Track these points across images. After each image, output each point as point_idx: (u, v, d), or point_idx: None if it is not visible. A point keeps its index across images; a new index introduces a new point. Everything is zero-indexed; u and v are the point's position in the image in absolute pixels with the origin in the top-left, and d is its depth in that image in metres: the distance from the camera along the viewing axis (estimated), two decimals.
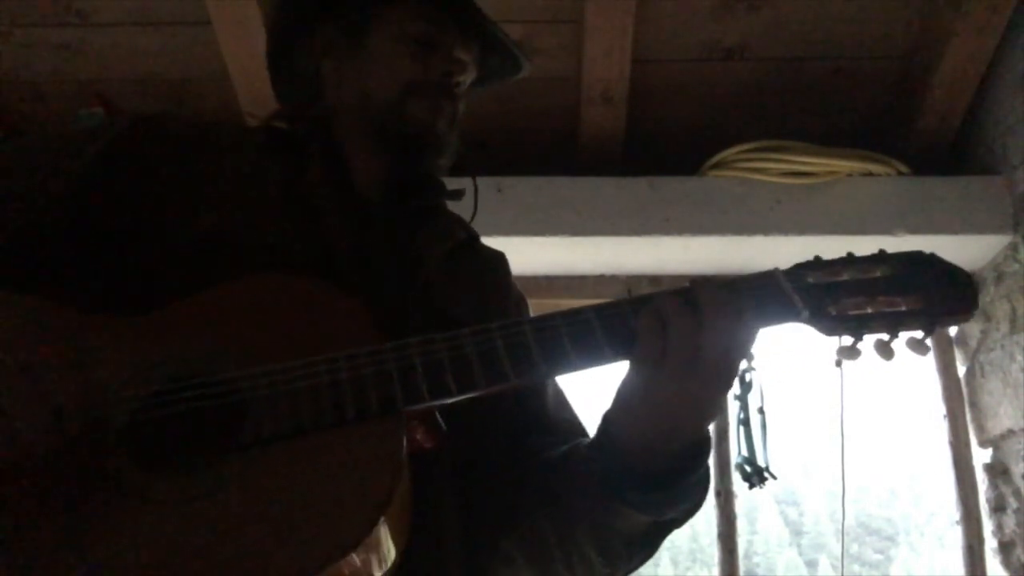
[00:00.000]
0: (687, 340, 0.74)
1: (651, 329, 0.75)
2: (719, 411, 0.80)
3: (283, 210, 0.92)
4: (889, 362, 0.79)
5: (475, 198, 1.13)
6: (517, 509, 0.91)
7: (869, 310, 0.79)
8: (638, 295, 0.79)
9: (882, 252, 0.83)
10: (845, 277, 0.81)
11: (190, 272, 0.83)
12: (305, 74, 1.08)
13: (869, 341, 0.79)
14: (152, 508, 0.66)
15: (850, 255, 0.83)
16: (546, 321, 0.78)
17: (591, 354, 0.76)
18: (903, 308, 0.79)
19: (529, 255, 2.37)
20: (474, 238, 1.10)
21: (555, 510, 0.88)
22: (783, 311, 0.78)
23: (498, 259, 1.13)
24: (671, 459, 0.79)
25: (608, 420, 0.82)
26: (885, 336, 0.79)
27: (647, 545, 0.87)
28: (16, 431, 0.68)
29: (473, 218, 1.13)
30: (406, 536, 0.72)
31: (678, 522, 0.85)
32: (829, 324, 0.78)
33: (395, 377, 0.73)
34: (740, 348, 0.76)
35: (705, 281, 0.78)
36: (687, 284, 0.79)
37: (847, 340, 0.79)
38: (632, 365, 0.78)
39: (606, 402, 0.83)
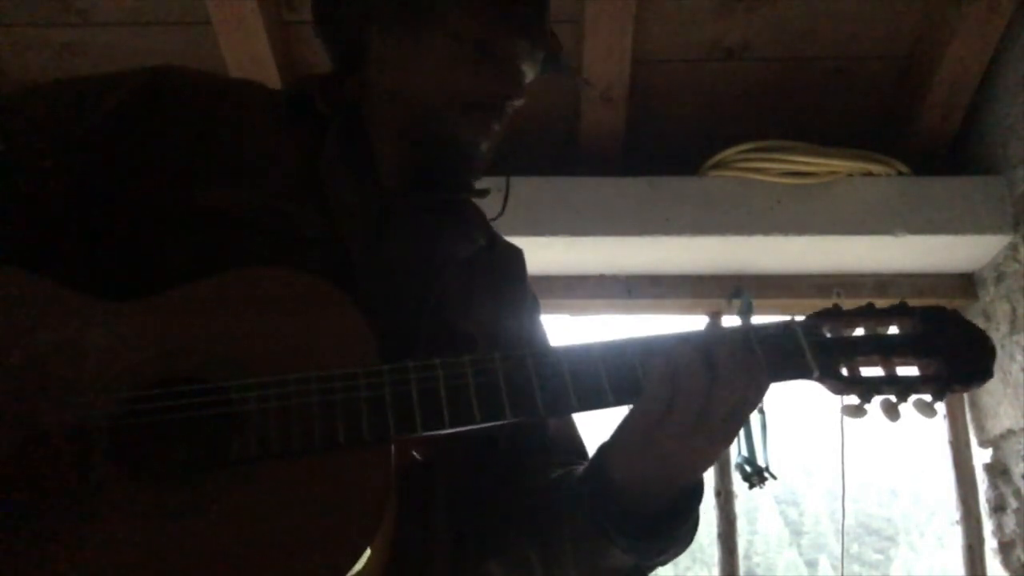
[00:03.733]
0: (698, 397, 0.71)
1: (660, 381, 0.72)
2: (718, 459, 0.79)
3: (300, 191, 0.86)
4: (894, 423, 0.77)
5: (505, 197, 1.06)
6: (505, 534, 0.89)
7: (882, 371, 0.77)
8: (647, 337, 0.76)
9: (903, 304, 0.81)
10: (862, 331, 0.79)
11: (195, 249, 0.79)
12: (346, 33, 0.96)
13: (876, 401, 0.77)
14: (134, 522, 0.65)
15: (870, 305, 0.81)
16: (549, 358, 0.75)
17: (593, 400, 0.74)
18: (917, 372, 0.77)
19: (529, 255, 2.36)
20: (493, 240, 1.05)
21: (542, 540, 0.86)
22: (796, 370, 0.76)
23: (515, 258, 1.08)
24: (665, 503, 0.78)
25: (604, 456, 0.80)
26: (894, 398, 0.77)
27: None
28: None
29: (499, 216, 1.07)
30: (389, 553, 0.71)
31: (664, 563, 0.83)
32: (839, 385, 0.77)
33: (389, 404, 0.71)
34: (751, 406, 0.74)
35: (723, 334, 0.76)
36: (704, 329, 0.77)
37: (854, 400, 0.77)
38: (637, 411, 0.75)
39: (605, 431, 0.80)
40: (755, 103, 2.45)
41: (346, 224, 0.86)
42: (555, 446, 0.96)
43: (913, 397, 0.77)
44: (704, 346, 0.73)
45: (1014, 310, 2.24)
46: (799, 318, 0.80)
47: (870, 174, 2.33)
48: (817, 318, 0.79)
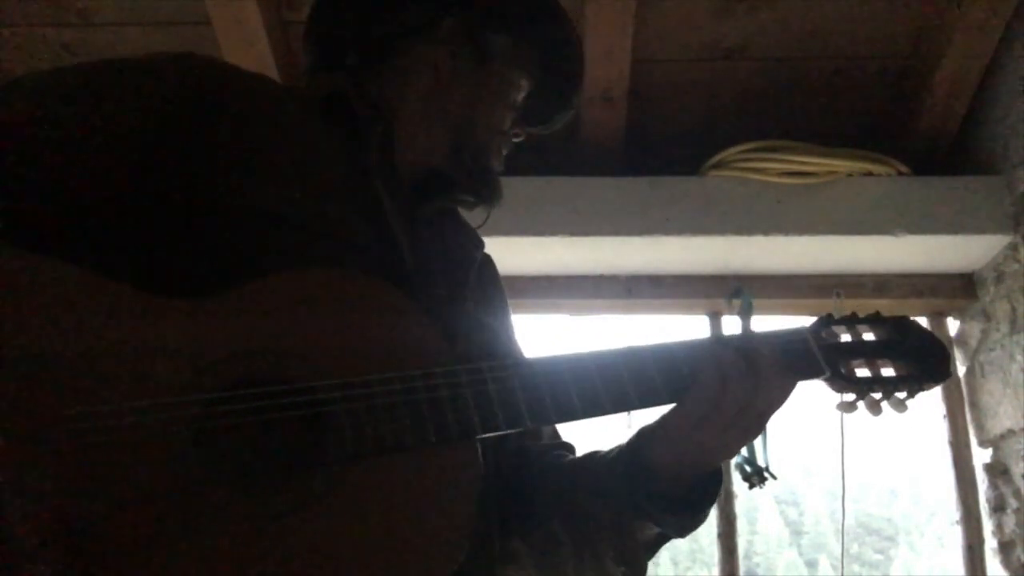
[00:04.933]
0: (741, 398, 0.81)
1: (710, 384, 0.81)
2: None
3: (344, 194, 0.87)
4: (876, 418, 0.90)
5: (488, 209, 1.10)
6: (531, 512, 0.93)
7: (869, 372, 0.90)
8: (691, 340, 0.85)
9: (877, 314, 0.94)
10: (849, 338, 0.92)
11: (249, 248, 0.78)
12: (386, 39, 0.98)
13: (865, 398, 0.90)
14: (236, 527, 0.62)
15: (854, 314, 0.94)
16: (607, 358, 0.81)
17: (650, 398, 0.81)
18: (894, 373, 0.91)
19: (529, 255, 2.37)
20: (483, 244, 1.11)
21: (572, 517, 0.91)
22: (812, 370, 0.87)
23: (491, 263, 1.13)
24: (690, 483, 0.86)
25: (643, 441, 0.88)
26: (877, 396, 0.90)
27: (654, 552, 0.93)
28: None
29: (483, 223, 1.11)
30: None
31: (683, 535, 0.92)
32: (841, 383, 0.89)
33: (472, 404, 0.73)
34: (780, 405, 0.84)
35: (762, 340, 0.86)
36: (741, 334, 0.87)
37: (849, 397, 0.90)
38: (686, 406, 0.82)
39: (647, 419, 0.89)
40: (755, 103, 2.45)
41: (396, 230, 0.88)
42: (541, 432, 1.04)
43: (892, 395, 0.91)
44: (749, 351, 0.82)
45: (1014, 310, 2.24)
46: (805, 324, 0.92)
47: (870, 174, 2.33)
48: (818, 326, 0.92)
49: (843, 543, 2.60)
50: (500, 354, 0.93)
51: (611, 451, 0.93)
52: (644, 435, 0.88)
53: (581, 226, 2.30)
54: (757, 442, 2.26)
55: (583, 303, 2.50)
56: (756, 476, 2.22)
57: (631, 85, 2.32)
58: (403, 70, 0.99)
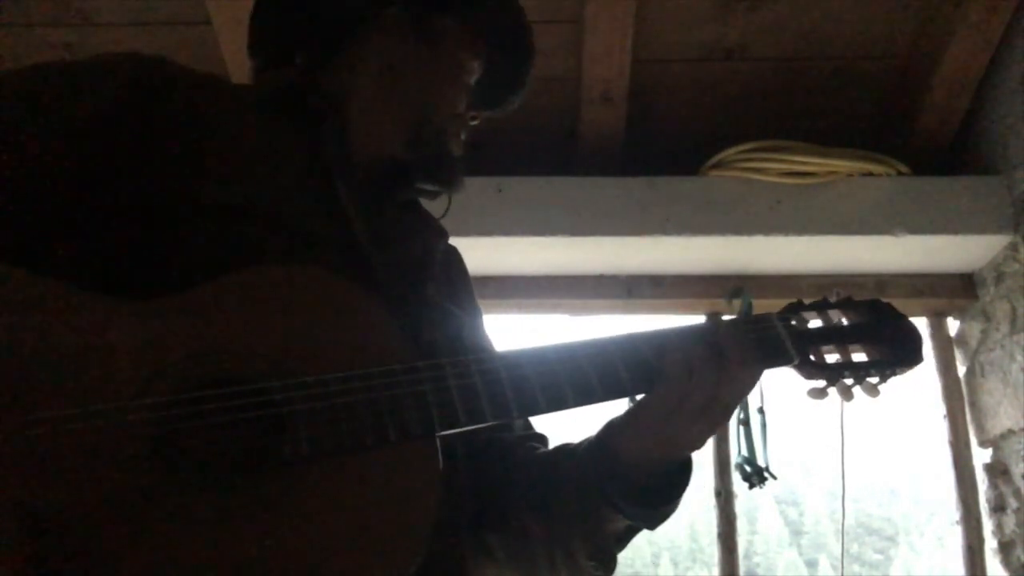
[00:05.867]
0: (710, 387, 0.81)
1: (679, 376, 0.81)
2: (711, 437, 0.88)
3: (302, 188, 0.87)
4: (848, 403, 0.90)
5: (449, 196, 1.10)
6: (503, 506, 0.93)
7: (839, 357, 0.89)
8: (657, 330, 0.85)
9: (849, 298, 0.93)
10: (820, 323, 0.91)
11: (209, 246, 0.77)
12: (330, 23, 0.99)
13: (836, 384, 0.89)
14: (192, 528, 0.62)
15: (825, 299, 0.93)
16: (572, 352, 0.81)
17: (616, 390, 0.80)
18: (866, 358, 0.89)
19: (529, 255, 2.37)
20: (448, 236, 1.09)
21: (543, 511, 0.91)
22: (780, 358, 0.87)
23: (458, 255, 1.12)
24: (661, 474, 0.86)
25: (611, 432, 0.88)
26: (849, 381, 0.89)
27: (625, 543, 0.92)
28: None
29: (443, 215, 1.11)
30: None
31: (653, 527, 0.92)
32: (810, 370, 0.88)
33: (432, 401, 0.72)
34: (747, 394, 0.85)
35: (727, 329, 0.85)
36: (706, 323, 0.86)
37: (819, 383, 0.88)
38: (654, 398, 0.82)
39: (614, 411, 0.88)
40: (755, 103, 2.45)
41: (355, 223, 0.87)
42: (515, 423, 1.03)
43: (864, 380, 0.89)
44: (715, 341, 0.83)
45: (1014, 310, 2.24)
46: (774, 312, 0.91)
47: (870, 174, 2.33)
48: (786, 311, 0.91)
49: (843, 543, 2.60)
50: (468, 345, 0.95)
51: (580, 443, 0.93)
52: (612, 427, 0.88)
53: (581, 226, 2.29)
54: (757, 442, 2.26)
55: (583, 303, 2.50)
56: (756, 476, 2.22)
57: (631, 85, 2.31)
58: (352, 62, 0.99)
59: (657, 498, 0.86)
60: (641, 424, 0.84)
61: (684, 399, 0.80)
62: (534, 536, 0.91)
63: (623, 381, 0.80)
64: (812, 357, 0.88)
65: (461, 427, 0.73)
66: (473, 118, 1.06)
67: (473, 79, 1.04)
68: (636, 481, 0.85)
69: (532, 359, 0.79)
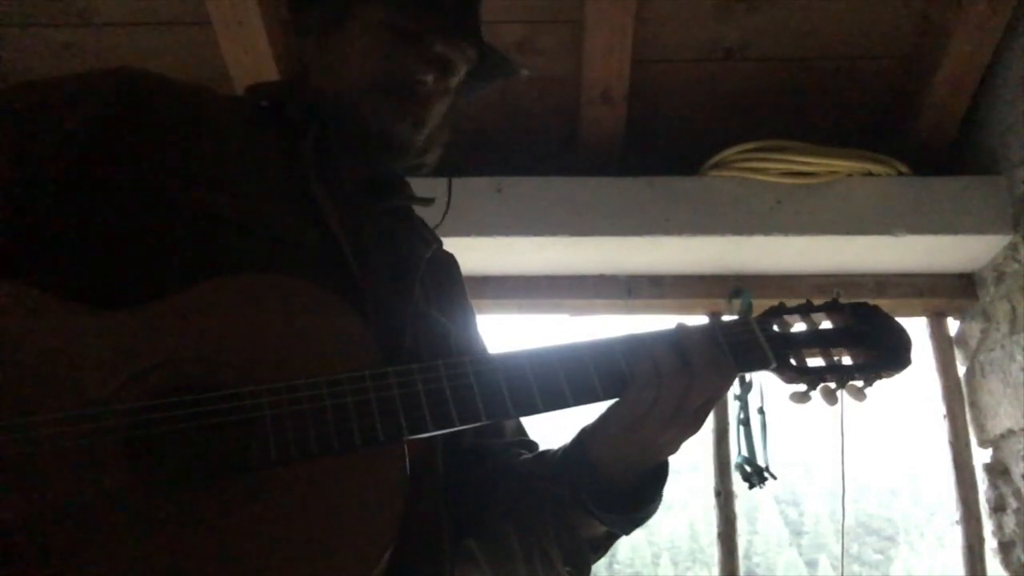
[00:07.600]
0: (677, 394, 0.80)
1: (647, 382, 0.80)
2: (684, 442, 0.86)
3: (283, 196, 0.88)
4: (831, 407, 0.87)
5: (448, 199, 1.11)
6: (485, 515, 0.94)
7: (822, 361, 0.87)
8: (632, 335, 0.84)
9: (835, 301, 0.91)
10: (804, 326, 0.89)
11: (188, 254, 0.79)
12: (301, 38, 1.02)
13: (818, 388, 0.87)
14: (157, 533, 0.63)
15: (809, 302, 0.91)
16: (544, 357, 0.81)
17: (585, 395, 0.80)
18: (850, 361, 0.87)
19: (529, 255, 2.37)
20: (440, 243, 1.09)
21: (522, 518, 0.92)
22: (757, 362, 0.85)
23: (452, 262, 1.12)
24: (635, 481, 0.87)
25: (585, 441, 0.88)
26: (832, 385, 0.87)
27: (604, 549, 0.93)
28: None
29: (442, 221, 1.11)
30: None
31: (629, 532, 0.92)
32: (790, 374, 0.86)
33: (399, 405, 0.73)
34: (718, 399, 0.84)
35: (695, 335, 0.83)
36: (675, 328, 0.84)
37: (800, 387, 0.87)
38: (623, 405, 0.82)
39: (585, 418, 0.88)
40: (755, 103, 2.45)
41: (337, 230, 0.88)
42: (504, 428, 1.04)
43: (848, 384, 0.88)
44: (682, 348, 0.82)
45: (1014, 310, 2.24)
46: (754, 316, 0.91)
47: (870, 174, 2.33)
48: (768, 315, 0.90)
49: (843, 543, 2.60)
50: (453, 352, 0.95)
51: (557, 450, 0.93)
52: (584, 433, 0.89)
53: (581, 226, 2.30)
54: (757, 442, 2.26)
55: (583, 303, 2.50)
56: (756, 476, 2.22)
57: (631, 85, 2.31)
58: (331, 62, 0.99)
59: (632, 502, 0.86)
60: (611, 430, 0.84)
61: (653, 405, 0.80)
62: (513, 543, 0.92)
63: (595, 387, 0.80)
64: (792, 361, 0.86)
65: (430, 432, 0.74)
66: (419, 77, 0.96)
67: (435, 48, 0.96)
68: (610, 486, 0.86)
69: (506, 364, 0.79)
